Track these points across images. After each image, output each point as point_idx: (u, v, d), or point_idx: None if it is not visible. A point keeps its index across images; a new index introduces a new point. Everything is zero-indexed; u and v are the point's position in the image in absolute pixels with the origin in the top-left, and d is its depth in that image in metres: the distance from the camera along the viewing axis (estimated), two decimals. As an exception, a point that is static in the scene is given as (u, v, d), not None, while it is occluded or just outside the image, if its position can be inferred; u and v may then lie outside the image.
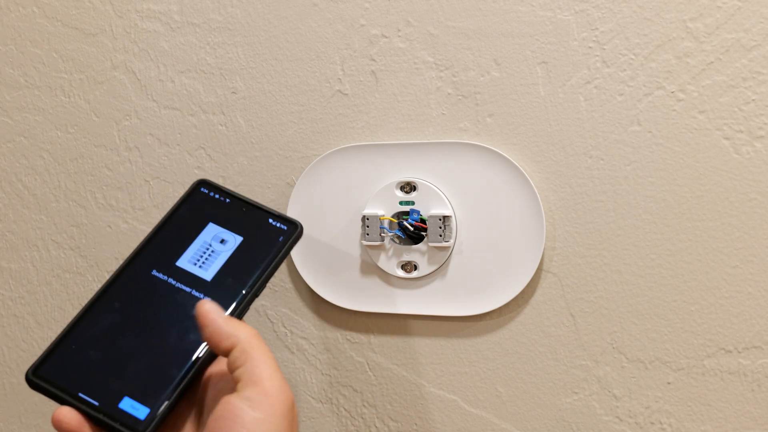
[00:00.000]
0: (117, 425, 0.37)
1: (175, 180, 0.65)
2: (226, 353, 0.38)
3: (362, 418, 0.61)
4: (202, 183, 0.46)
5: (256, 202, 0.46)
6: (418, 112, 0.58)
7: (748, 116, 0.51)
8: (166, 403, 0.38)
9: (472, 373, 0.58)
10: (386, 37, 0.59)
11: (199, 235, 0.44)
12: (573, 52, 0.54)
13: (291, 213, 0.61)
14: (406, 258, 0.58)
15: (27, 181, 0.70)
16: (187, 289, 0.42)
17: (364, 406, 0.61)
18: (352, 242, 0.59)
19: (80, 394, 0.38)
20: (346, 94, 0.60)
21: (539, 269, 0.55)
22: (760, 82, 0.50)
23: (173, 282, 0.42)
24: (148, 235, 0.44)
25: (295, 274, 0.62)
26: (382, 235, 0.57)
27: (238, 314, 0.41)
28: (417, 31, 0.58)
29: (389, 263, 0.58)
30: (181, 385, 0.39)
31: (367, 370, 0.61)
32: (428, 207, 0.57)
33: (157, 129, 0.65)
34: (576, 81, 0.54)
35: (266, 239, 0.44)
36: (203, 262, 0.43)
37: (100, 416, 0.38)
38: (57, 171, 0.69)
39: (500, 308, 0.57)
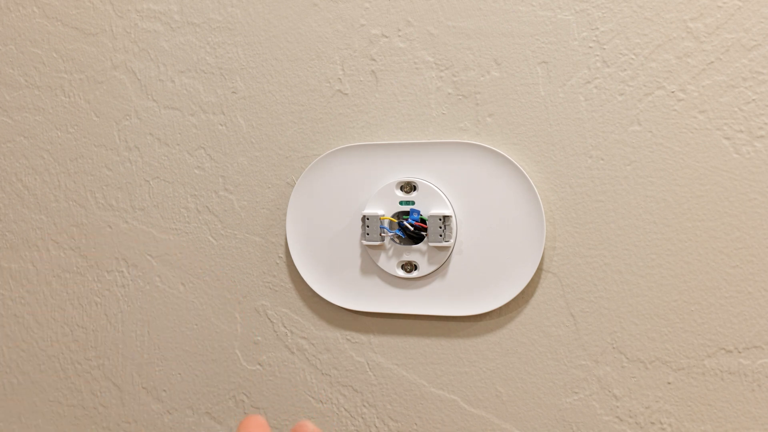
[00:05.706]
0: None
1: (175, 180, 0.65)
2: None
3: (362, 418, 0.61)
4: None
5: None
6: (418, 112, 0.58)
7: (748, 116, 0.51)
8: None
9: (472, 373, 0.58)
10: (386, 37, 0.59)
11: None
12: (573, 52, 0.54)
13: (291, 213, 0.61)
14: (406, 258, 0.58)
15: (27, 181, 0.70)
16: None
17: (364, 406, 0.61)
18: (352, 242, 0.59)
19: None
20: (346, 94, 0.60)
21: (539, 269, 0.55)
22: (760, 82, 0.50)
23: None
24: None
25: (295, 274, 0.62)
26: (382, 235, 0.57)
27: None
28: (417, 31, 0.58)
29: (389, 263, 0.58)
30: None
31: (367, 370, 0.60)
32: (428, 207, 0.57)
33: (157, 129, 0.65)
34: (576, 81, 0.54)
35: None
36: None
37: None
38: (57, 171, 0.69)
39: (500, 308, 0.57)
